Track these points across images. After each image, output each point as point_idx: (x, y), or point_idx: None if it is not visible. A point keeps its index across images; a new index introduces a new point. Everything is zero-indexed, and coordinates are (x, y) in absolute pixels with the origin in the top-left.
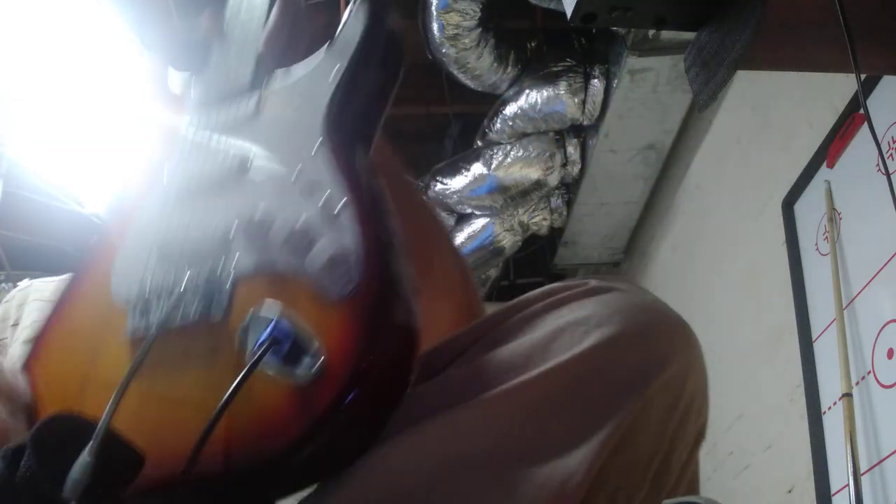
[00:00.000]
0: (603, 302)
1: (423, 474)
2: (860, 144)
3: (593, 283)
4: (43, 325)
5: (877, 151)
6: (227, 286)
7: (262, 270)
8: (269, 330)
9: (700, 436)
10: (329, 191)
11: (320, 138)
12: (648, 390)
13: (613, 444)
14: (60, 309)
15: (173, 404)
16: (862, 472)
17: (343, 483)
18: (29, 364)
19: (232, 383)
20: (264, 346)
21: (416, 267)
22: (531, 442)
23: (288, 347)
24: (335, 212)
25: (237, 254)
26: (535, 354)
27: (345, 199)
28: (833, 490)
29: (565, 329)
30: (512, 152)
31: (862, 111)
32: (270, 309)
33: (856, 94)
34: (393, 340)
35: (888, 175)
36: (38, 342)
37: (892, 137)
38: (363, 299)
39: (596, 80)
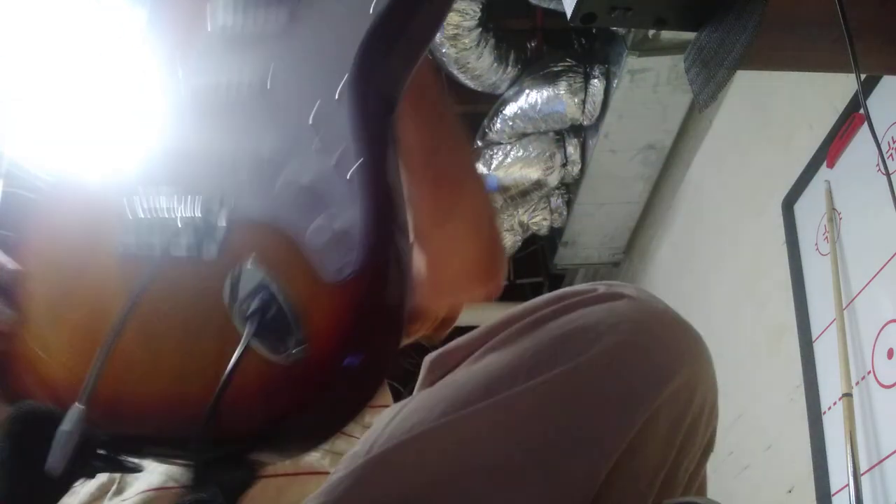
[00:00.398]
0: (611, 309)
1: (425, 479)
2: (860, 144)
3: (602, 289)
4: (38, 210)
5: (877, 151)
6: (224, 225)
7: (263, 219)
8: (258, 299)
9: (709, 446)
10: (345, 152)
11: (350, 75)
12: (656, 400)
13: (619, 454)
14: (58, 197)
15: (151, 345)
16: (862, 472)
17: (346, 485)
18: (16, 248)
19: (208, 332)
20: (255, 320)
21: (444, 200)
22: (534, 450)
23: (271, 320)
24: (348, 178)
25: (241, 191)
26: (541, 360)
27: (360, 169)
28: (833, 490)
29: (573, 335)
30: (512, 152)
31: (862, 111)
32: (262, 272)
33: (856, 94)
34: (381, 335)
35: (888, 175)
36: (31, 228)
37: (893, 137)
38: (357, 288)
39: (596, 80)
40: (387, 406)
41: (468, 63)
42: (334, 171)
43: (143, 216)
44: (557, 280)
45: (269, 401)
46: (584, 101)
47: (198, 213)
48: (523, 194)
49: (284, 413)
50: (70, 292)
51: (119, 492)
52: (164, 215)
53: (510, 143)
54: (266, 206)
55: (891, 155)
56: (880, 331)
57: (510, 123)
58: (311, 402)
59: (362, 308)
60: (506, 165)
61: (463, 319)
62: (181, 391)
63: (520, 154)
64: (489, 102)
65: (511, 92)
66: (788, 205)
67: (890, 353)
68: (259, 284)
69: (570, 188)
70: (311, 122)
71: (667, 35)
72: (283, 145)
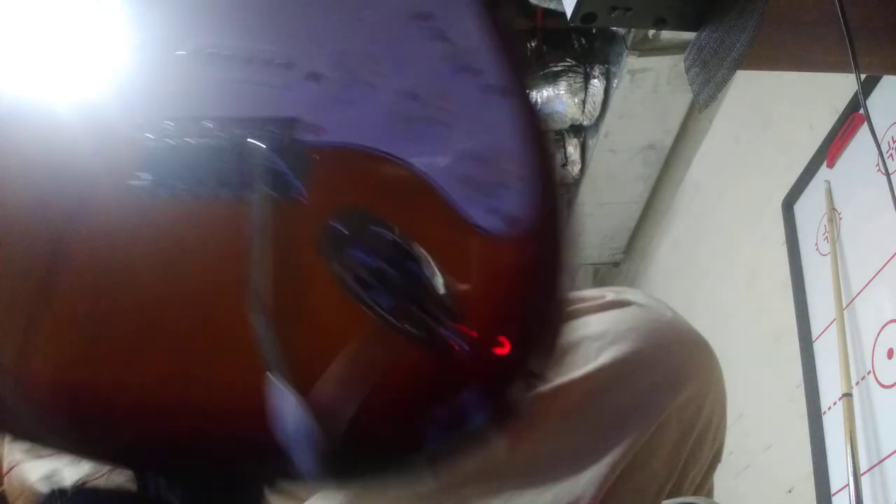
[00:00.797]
0: (620, 317)
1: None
2: (860, 144)
3: (610, 296)
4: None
5: (877, 151)
6: (299, 158)
7: (361, 146)
8: (375, 257)
9: (716, 458)
10: (479, 56)
11: None
12: (664, 411)
13: (624, 467)
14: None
15: (204, 314)
16: (862, 472)
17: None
18: None
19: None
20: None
21: None
22: (537, 460)
23: (400, 285)
24: (486, 92)
25: (321, 108)
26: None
27: (506, 78)
28: (833, 490)
29: (580, 343)
30: None
31: (862, 111)
32: (377, 218)
33: (856, 94)
34: (554, 312)
35: (888, 175)
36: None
37: (892, 137)
38: (534, 242)
39: (596, 80)
40: None
41: None
42: (462, 80)
43: (177, 144)
44: None
45: (400, 402)
46: (584, 101)
47: (258, 138)
48: None
49: (425, 418)
50: (58, 252)
51: None
52: (211, 141)
53: None
54: (363, 129)
55: (891, 155)
56: (880, 331)
57: None
58: (463, 405)
59: (542, 269)
60: None
61: None
62: (254, 384)
63: None
64: None
65: None
66: (788, 205)
67: (890, 353)
68: (377, 236)
69: (570, 188)
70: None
71: (667, 35)
72: (380, 42)
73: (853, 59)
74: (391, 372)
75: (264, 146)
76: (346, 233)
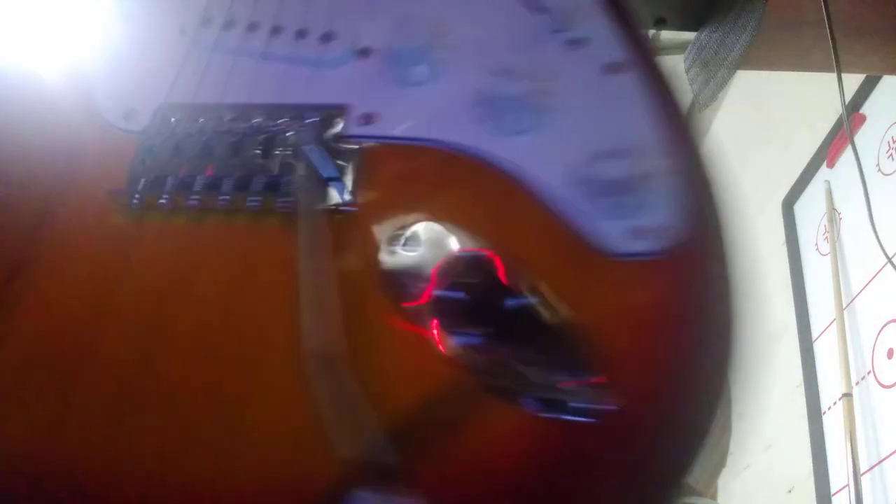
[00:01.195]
0: None
1: None
2: (860, 144)
3: None
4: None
5: (877, 151)
6: (347, 157)
7: (430, 140)
8: (463, 290)
9: (720, 462)
10: (587, 22)
11: None
12: None
13: None
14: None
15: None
16: (862, 472)
17: None
18: None
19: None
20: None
21: None
22: None
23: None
24: (608, 68)
25: (374, 91)
26: None
27: (625, 50)
28: (833, 490)
29: None
30: None
31: (861, 111)
32: (457, 234)
33: (856, 94)
34: (722, 364)
35: (863, 178)
36: None
37: (892, 137)
38: (689, 268)
39: None
40: None
41: None
42: (568, 52)
43: (182, 139)
44: None
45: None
46: None
47: (293, 132)
48: None
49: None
50: (13, 279)
51: None
52: (228, 137)
53: None
54: (431, 118)
55: (890, 155)
56: (880, 331)
57: None
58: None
59: (707, 306)
60: None
61: None
62: (294, 465)
63: None
64: None
65: None
66: (788, 205)
67: (890, 353)
68: (464, 262)
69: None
70: None
71: (667, 35)
72: (452, 3)
73: (835, 60)
74: (499, 454)
75: (301, 142)
76: (420, 259)
